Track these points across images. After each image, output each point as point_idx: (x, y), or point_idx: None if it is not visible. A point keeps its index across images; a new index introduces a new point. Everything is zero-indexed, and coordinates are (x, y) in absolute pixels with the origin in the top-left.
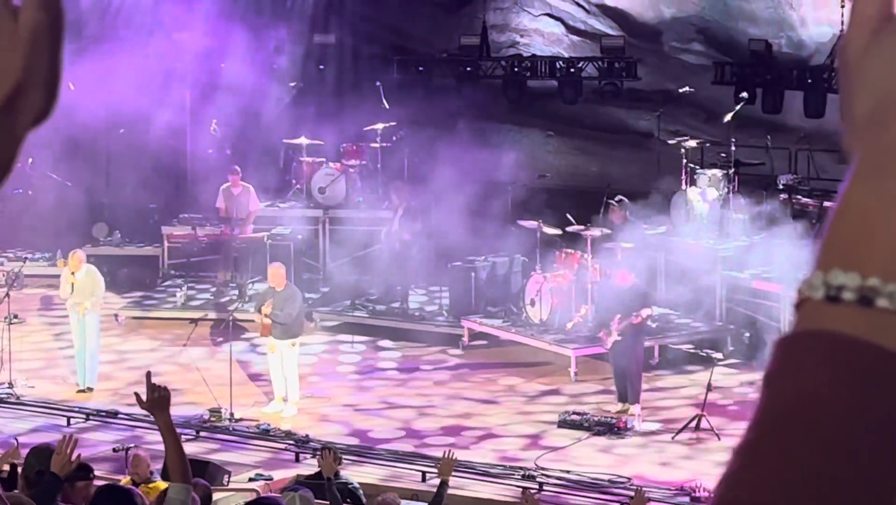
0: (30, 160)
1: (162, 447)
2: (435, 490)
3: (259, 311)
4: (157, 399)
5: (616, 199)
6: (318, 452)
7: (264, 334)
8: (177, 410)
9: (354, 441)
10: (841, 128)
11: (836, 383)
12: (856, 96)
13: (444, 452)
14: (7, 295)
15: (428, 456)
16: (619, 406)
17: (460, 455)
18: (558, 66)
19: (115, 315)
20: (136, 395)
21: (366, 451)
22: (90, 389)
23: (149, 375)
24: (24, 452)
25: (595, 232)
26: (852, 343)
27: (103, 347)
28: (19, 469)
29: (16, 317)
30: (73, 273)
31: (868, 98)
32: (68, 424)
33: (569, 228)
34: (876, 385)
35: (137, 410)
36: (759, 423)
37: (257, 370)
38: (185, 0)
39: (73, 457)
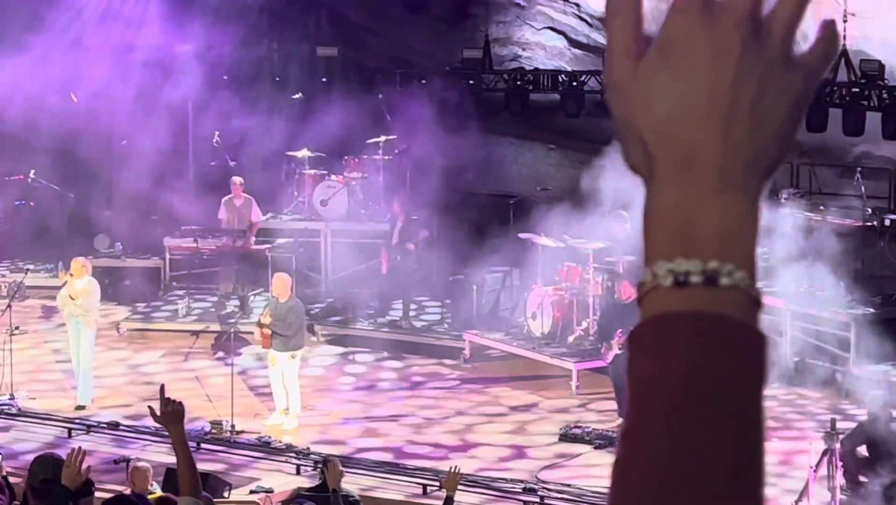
0: (31, 172)
1: (160, 459)
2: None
3: (259, 322)
4: (170, 413)
5: (616, 213)
6: (323, 464)
7: (265, 346)
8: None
9: (355, 453)
10: (622, 145)
11: (701, 353)
12: (637, 117)
13: (451, 467)
14: (9, 306)
15: (429, 469)
16: (620, 420)
17: (461, 468)
18: (560, 79)
19: (117, 326)
20: (150, 408)
21: (367, 463)
22: (82, 407)
23: (163, 388)
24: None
25: (597, 245)
26: (709, 317)
27: (106, 358)
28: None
29: (17, 328)
30: (71, 276)
31: (652, 116)
32: (69, 436)
33: (570, 241)
34: (734, 349)
35: (138, 423)
36: (637, 404)
37: (259, 382)
38: (184, 11)
39: (83, 470)
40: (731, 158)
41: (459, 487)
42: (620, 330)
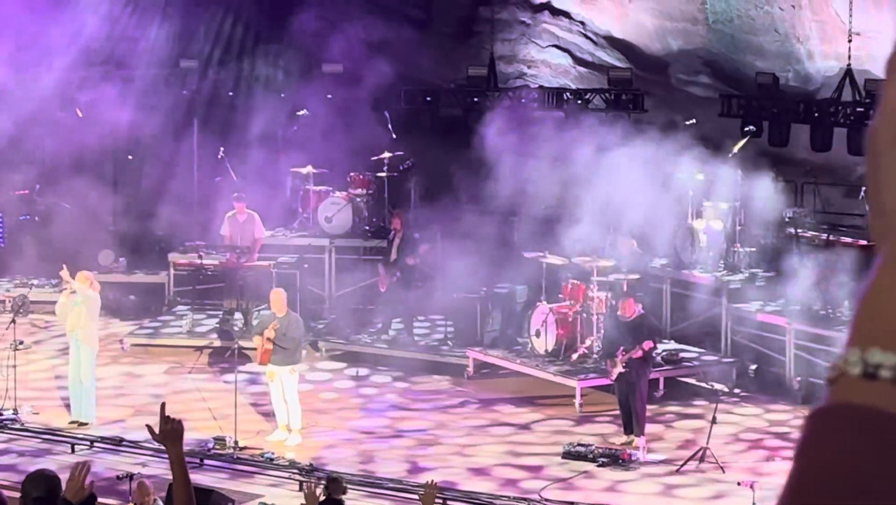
0: (36, 187)
1: (163, 474)
2: None
3: (260, 335)
4: (169, 431)
5: (622, 230)
6: (326, 481)
7: (262, 362)
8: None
9: (358, 470)
10: (868, 214)
11: (872, 453)
12: (885, 184)
13: (427, 481)
14: (13, 321)
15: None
16: (624, 438)
17: (463, 486)
18: (565, 97)
19: (121, 342)
20: (149, 427)
21: (369, 480)
22: (83, 424)
23: (163, 406)
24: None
25: (601, 263)
26: (889, 417)
27: (109, 373)
28: None
29: (21, 343)
30: (72, 291)
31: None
32: (73, 451)
33: (574, 259)
34: None
35: (141, 437)
36: (797, 488)
37: (262, 398)
38: (191, 29)
39: (86, 484)
40: None
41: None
42: (623, 348)
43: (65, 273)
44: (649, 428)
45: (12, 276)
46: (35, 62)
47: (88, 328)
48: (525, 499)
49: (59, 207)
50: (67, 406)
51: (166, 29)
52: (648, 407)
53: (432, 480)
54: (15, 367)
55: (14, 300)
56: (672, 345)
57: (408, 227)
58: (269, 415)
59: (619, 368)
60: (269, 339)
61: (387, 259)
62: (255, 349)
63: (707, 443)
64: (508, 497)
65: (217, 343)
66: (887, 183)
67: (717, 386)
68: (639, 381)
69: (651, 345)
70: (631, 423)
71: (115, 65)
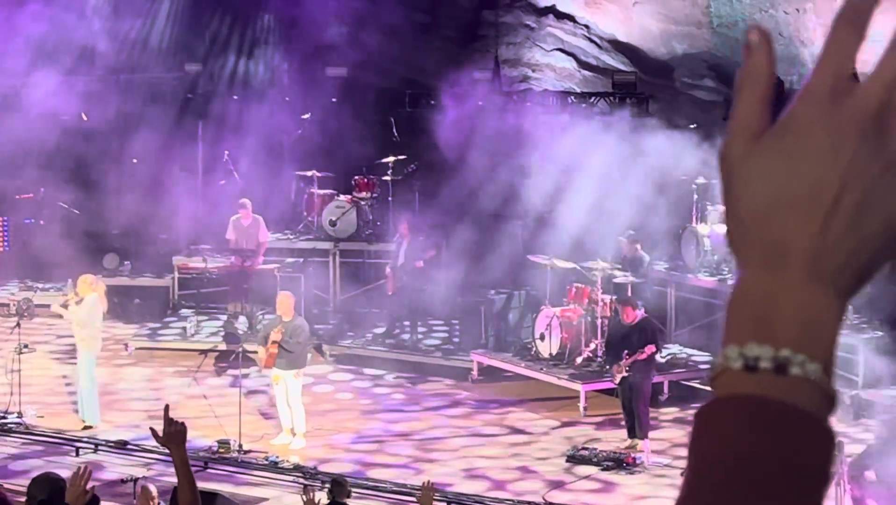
0: (41, 190)
1: (167, 478)
2: None
3: (266, 340)
4: (173, 434)
5: (627, 233)
6: (331, 485)
7: (267, 366)
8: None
9: (362, 474)
10: (726, 222)
11: (763, 438)
12: (739, 197)
13: (424, 482)
14: (18, 325)
15: (437, 490)
16: (628, 441)
17: (468, 489)
18: (570, 100)
19: (125, 345)
20: (153, 430)
21: (373, 483)
22: (87, 427)
23: (167, 409)
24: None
25: (606, 266)
26: (773, 403)
27: (114, 376)
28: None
29: (26, 346)
30: (77, 301)
31: (752, 199)
32: (77, 454)
33: (579, 263)
34: (797, 439)
35: (145, 441)
36: (693, 481)
37: (266, 402)
38: (192, 31)
39: (87, 488)
40: (825, 252)
41: None
42: (626, 351)
43: (70, 293)
44: (654, 431)
45: (17, 279)
46: (38, 65)
47: (86, 329)
48: (528, 502)
49: (64, 211)
50: (74, 410)
51: (171, 32)
52: (653, 410)
53: (429, 481)
54: (20, 370)
55: (19, 304)
56: (676, 348)
57: (415, 233)
58: (272, 418)
59: (623, 372)
60: (274, 342)
61: (394, 262)
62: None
63: None
64: (512, 500)
65: (221, 346)
66: (742, 194)
67: None
68: (642, 384)
69: (653, 349)
70: (634, 426)
71: (120, 69)
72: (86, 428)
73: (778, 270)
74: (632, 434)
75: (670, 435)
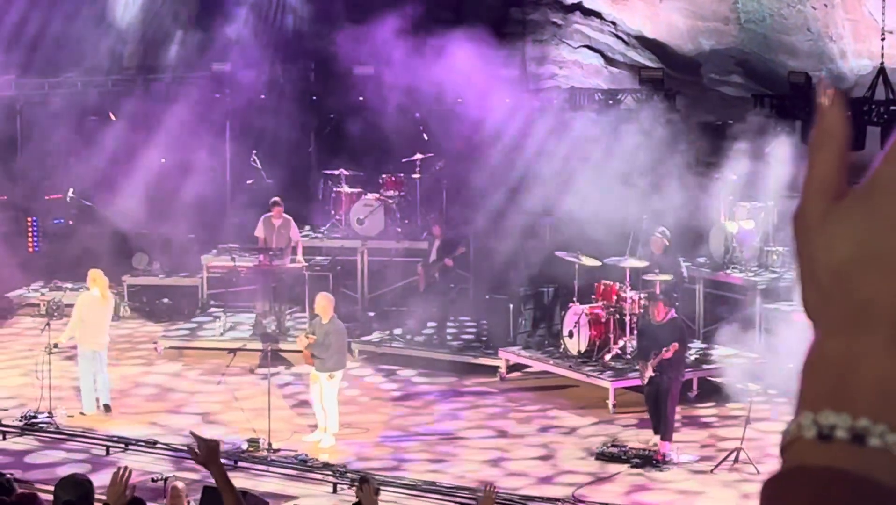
0: (70, 190)
1: (198, 477)
2: None
3: (305, 337)
4: (209, 451)
5: (656, 231)
6: (359, 483)
7: (308, 363)
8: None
9: (392, 472)
10: (800, 284)
11: None
12: (819, 259)
13: (486, 486)
14: (47, 325)
15: (465, 488)
16: (655, 439)
17: (498, 486)
18: (597, 97)
19: (155, 344)
20: (190, 449)
21: (403, 482)
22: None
23: (193, 434)
24: None
25: (634, 263)
26: (849, 477)
27: (143, 376)
28: None
29: (56, 346)
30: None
31: (835, 260)
32: (108, 453)
33: (608, 260)
34: None
35: (175, 439)
36: None
37: (296, 400)
38: (221, 29)
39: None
40: None
41: None
42: (654, 351)
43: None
44: (683, 428)
45: (46, 279)
46: (70, 66)
47: (87, 329)
48: (558, 499)
49: (92, 211)
50: (101, 407)
51: (199, 32)
52: (681, 407)
53: (491, 485)
54: (49, 370)
55: (48, 304)
56: (705, 345)
57: (447, 232)
58: (302, 416)
59: (651, 372)
60: (305, 349)
61: (426, 260)
62: (288, 351)
63: (741, 443)
64: (541, 498)
65: (250, 345)
66: (823, 258)
67: (752, 386)
68: (670, 384)
69: (676, 348)
70: (659, 425)
71: (148, 69)
72: (106, 407)
73: (861, 332)
74: (657, 432)
75: (699, 432)
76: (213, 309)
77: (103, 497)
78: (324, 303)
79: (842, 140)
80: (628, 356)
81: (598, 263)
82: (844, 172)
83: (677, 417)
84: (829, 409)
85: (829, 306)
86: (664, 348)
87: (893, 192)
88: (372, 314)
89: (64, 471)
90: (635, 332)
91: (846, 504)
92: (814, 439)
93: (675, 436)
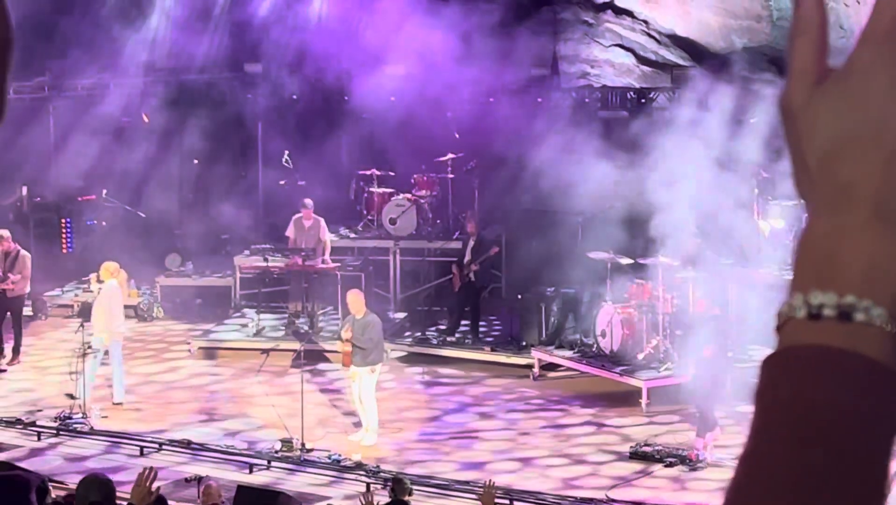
0: (104, 191)
1: (232, 477)
2: None
3: (340, 338)
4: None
5: (690, 229)
6: (392, 483)
7: (346, 364)
8: (249, 440)
9: (426, 472)
10: (792, 170)
11: (827, 387)
12: (804, 143)
13: (486, 481)
14: (81, 325)
15: (500, 487)
16: (693, 437)
17: (530, 486)
18: (629, 96)
19: (188, 344)
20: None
21: (435, 481)
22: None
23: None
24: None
25: (666, 262)
26: (839, 352)
27: (177, 375)
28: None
29: (89, 347)
30: (101, 281)
31: (817, 143)
32: (142, 453)
33: (640, 259)
34: (862, 387)
35: (210, 439)
36: (759, 431)
37: (329, 400)
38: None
39: (153, 489)
40: (891, 193)
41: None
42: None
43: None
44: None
45: (80, 281)
46: (103, 67)
47: (104, 319)
48: (591, 499)
49: (126, 212)
50: (136, 409)
51: (230, 33)
52: (719, 406)
53: (491, 480)
54: (83, 371)
55: (82, 305)
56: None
57: (481, 229)
58: (335, 417)
59: (692, 369)
60: (346, 340)
61: (461, 260)
62: (323, 351)
63: None
64: (574, 498)
65: (283, 345)
66: (807, 142)
67: None
68: (709, 381)
69: (714, 349)
70: (699, 421)
71: (180, 69)
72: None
73: (843, 213)
74: (700, 433)
75: (734, 431)
76: (245, 309)
77: (127, 496)
78: (355, 299)
79: (820, 24)
80: (661, 355)
81: (630, 262)
82: (825, 56)
83: (719, 415)
84: (817, 288)
85: (815, 189)
86: (704, 346)
87: (868, 74)
88: (404, 314)
89: (101, 471)
90: (675, 329)
91: (835, 379)
92: (804, 319)
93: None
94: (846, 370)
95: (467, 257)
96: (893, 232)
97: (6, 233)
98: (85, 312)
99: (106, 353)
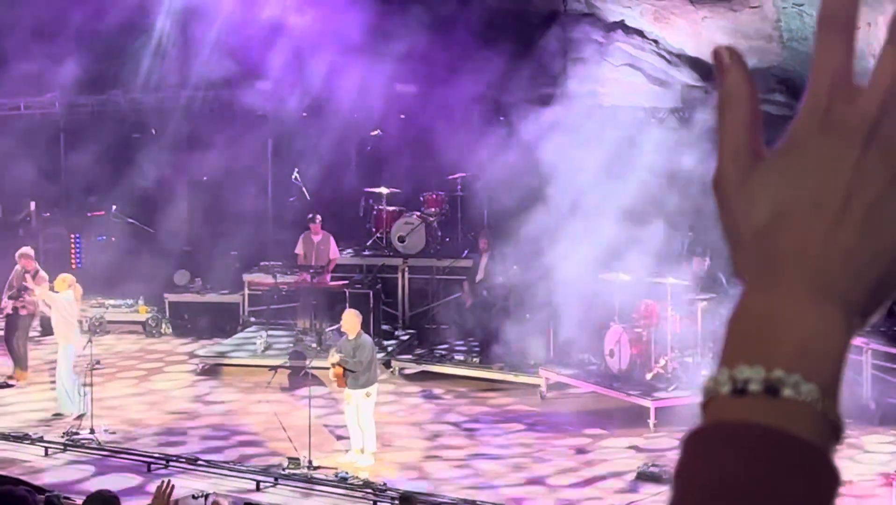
0: (112, 208)
1: (238, 494)
2: None
3: (335, 353)
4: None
5: (697, 249)
6: (400, 501)
7: (340, 386)
8: (256, 459)
9: (431, 490)
10: (728, 248)
11: (749, 466)
12: (741, 220)
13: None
14: (90, 341)
15: None
16: None
17: None
18: (639, 115)
19: (195, 361)
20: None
21: (444, 500)
22: (57, 415)
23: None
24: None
25: (676, 281)
26: (762, 429)
27: (184, 392)
28: None
29: (98, 363)
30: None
31: (755, 218)
32: (148, 470)
33: (649, 279)
34: (787, 466)
35: (217, 456)
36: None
37: (335, 419)
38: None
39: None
40: (831, 263)
41: None
42: None
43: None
44: None
45: (89, 296)
46: (113, 83)
47: (61, 328)
48: None
49: (135, 228)
50: (145, 426)
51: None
52: None
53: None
54: (92, 386)
55: (91, 320)
56: None
57: (494, 247)
58: (342, 435)
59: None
60: (335, 364)
61: (472, 277)
62: (328, 369)
63: None
64: None
65: (291, 363)
66: (744, 218)
67: None
68: None
69: None
70: None
71: (190, 86)
72: (56, 416)
73: (778, 285)
74: None
75: None
76: (253, 326)
77: None
78: (351, 319)
79: (748, 99)
80: (669, 375)
81: (638, 281)
82: (758, 130)
83: None
84: (744, 363)
85: (750, 264)
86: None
87: (807, 146)
88: (412, 332)
89: (109, 488)
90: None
91: (759, 455)
92: (728, 394)
93: None
94: (769, 448)
95: (480, 275)
96: (829, 306)
97: (30, 251)
98: (46, 326)
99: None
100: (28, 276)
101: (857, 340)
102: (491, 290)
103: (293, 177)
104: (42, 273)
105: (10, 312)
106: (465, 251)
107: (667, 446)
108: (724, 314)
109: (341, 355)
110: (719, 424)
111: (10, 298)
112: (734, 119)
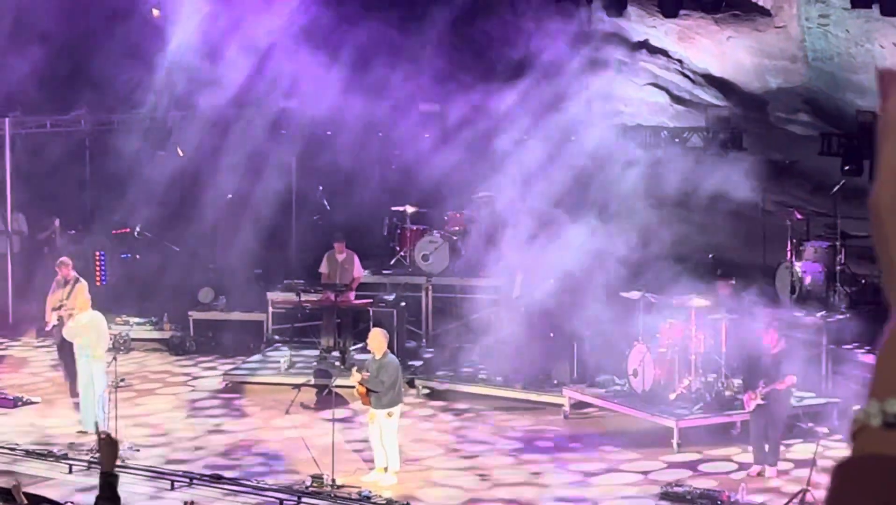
0: (137, 226)
1: None
2: None
3: (357, 372)
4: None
5: (718, 271)
6: None
7: (364, 403)
8: (279, 476)
9: None
10: (882, 268)
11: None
12: (892, 244)
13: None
14: (114, 358)
15: None
16: (757, 469)
17: None
18: (663, 135)
19: (220, 378)
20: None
21: None
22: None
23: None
24: None
25: (700, 302)
26: None
27: (208, 411)
28: None
29: (122, 380)
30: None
31: None
32: (172, 487)
33: (673, 299)
34: None
35: (238, 473)
36: None
37: (359, 437)
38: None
39: None
40: None
41: None
42: (763, 381)
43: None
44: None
45: (114, 314)
46: (137, 102)
47: (101, 344)
48: None
49: (160, 245)
50: (166, 444)
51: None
52: (741, 447)
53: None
54: (116, 404)
55: (115, 338)
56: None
57: (525, 264)
58: (365, 453)
59: (759, 400)
60: (357, 382)
61: (507, 294)
62: (353, 387)
63: (807, 485)
64: None
65: (314, 381)
66: (894, 244)
67: (815, 427)
68: (779, 412)
69: (793, 380)
70: (762, 455)
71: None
72: (81, 432)
73: None
74: (759, 461)
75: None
76: (277, 344)
77: None
78: (378, 338)
79: None
80: (694, 394)
81: (662, 302)
82: None
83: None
84: (894, 396)
85: None
86: (776, 378)
87: None
88: (436, 351)
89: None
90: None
91: None
92: (879, 427)
93: (739, 477)
94: None
95: (516, 292)
96: None
97: (68, 260)
98: (118, 346)
99: None
100: (66, 290)
101: None
102: (528, 307)
103: (318, 195)
104: (82, 281)
105: (57, 322)
106: (490, 269)
107: (690, 467)
108: (745, 337)
109: (363, 374)
110: (869, 456)
111: (53, 310)
112: (894, 145)
